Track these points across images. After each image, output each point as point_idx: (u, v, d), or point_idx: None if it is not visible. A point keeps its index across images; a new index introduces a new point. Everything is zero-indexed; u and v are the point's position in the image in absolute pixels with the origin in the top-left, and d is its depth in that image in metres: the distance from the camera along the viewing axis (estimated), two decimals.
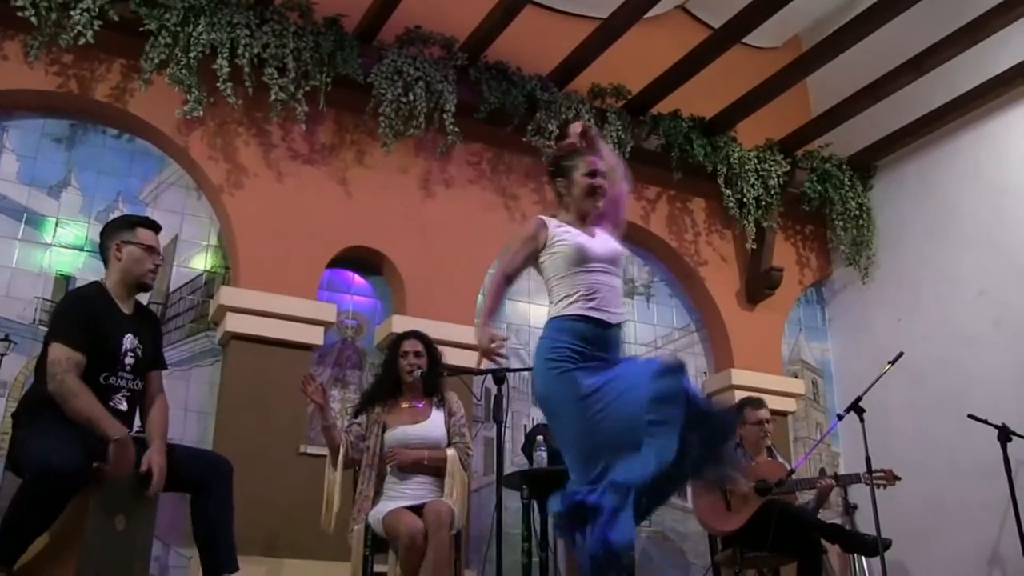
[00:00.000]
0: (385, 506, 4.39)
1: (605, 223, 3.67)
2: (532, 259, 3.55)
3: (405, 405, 4.70)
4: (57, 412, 3.53)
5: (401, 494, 4.46)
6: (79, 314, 3.75)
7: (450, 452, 4.59)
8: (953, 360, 6.57)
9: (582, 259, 3.44)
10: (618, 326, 3.45)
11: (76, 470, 3.31)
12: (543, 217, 3.60)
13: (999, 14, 5.95)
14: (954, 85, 6.63)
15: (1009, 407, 5.85)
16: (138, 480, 3.63)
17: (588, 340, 3.34)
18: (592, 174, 3.60)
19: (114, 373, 3.75)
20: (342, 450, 4.56)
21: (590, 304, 3.38)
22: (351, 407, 4.71)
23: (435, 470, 4.56)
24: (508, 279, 3.55)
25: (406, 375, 4.69)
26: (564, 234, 3.50)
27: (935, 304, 6.85)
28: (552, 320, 3.43)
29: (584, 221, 3.60)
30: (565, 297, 3.41)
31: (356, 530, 4.45)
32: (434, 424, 4.65)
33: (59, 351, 3.60)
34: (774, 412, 6.30)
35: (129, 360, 3.79)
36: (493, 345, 3.44)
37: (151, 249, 3.92)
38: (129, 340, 3.80)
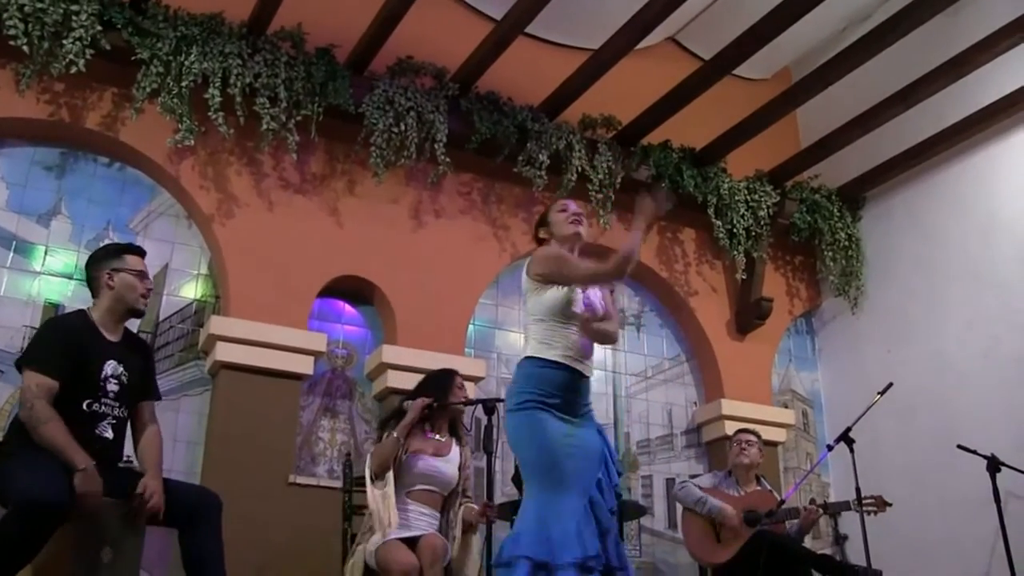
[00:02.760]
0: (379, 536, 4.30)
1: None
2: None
3: (428, 434, 4.65)
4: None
5: (401, 520, 4.38)
6: (54, 340, 3.73)
7: (468, 506, 4.59)
8: (942, 391, 6.58)
9: (567, 313, 3.67)
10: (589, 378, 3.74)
11: (60, 503, 3.27)
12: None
13: (984, 49, 6.01)
14: (941, 118, 6.68)
15: (998, 438, 5.84)
16: (134, 504, 3.60)
17: (558, 385, 3.60)
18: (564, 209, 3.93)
19: (96, 400, 3.71)
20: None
21: (568, 353, 3.65)
22: (391, 426, 4.61)
23: (436, 502, 4.54)
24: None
25: (456, 408, 4.72)
26: None
27: (924, 335, 6.86)
28: (521, 362, 3.70)
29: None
30: (543, 342, 3.67)
31: (353, 563, 4.37)
32: (453, 462, 4.63)
33: (30, 378, 3.59)
34: (764, 442, 6.30)
35: (112, 387, 3.76)
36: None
37: (142, 274, 3.92)
38: (111, 366, 3.77)
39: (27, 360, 3.69)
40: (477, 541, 4.51)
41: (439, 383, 4.77)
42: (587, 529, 3.37)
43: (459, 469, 4.63)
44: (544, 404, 3.53)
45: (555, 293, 3.64)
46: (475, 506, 4.62)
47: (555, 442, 3.48)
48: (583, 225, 3.93)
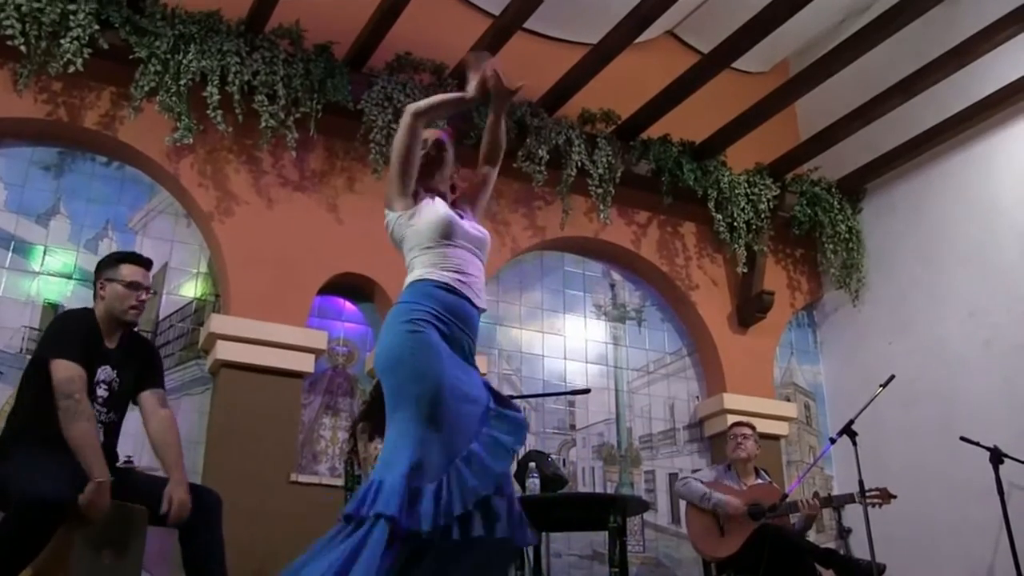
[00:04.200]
0: None
1: (467, 208, 3.44)
2: (410, 170, 3.25)
3: None
4: (43, 440, 3.49)
5: None
6: (76, 330, 3.71)
7: None
8: (944, 382, 6.57)
9: (450, 232, 3.17)
10: (478, 309, 3.17)
11: (61, 502, 3.26)
12: None
13: (985, 38, 5.99)
14: (942, 108, 6.66)
15: (1000, 428, 5.84)
16: (125, 513, 3.59)
17: (450, 311, 3.05)
18: (424, 142, 3.37)
19: (90, 402, 3.70)
20: None
21: (458, 276, 3.11)
22: (361, 429, 4.59)
23: None
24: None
25: None
26: (430, 201, 3.25)
27: (926, 326, 6.85)
28: (414, 283, 3.11)
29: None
30: (432, 266, 3.12)
31: None
32: None
33: (65, 369, 3.53)
34: (766, 436, 6.31)
35: (101, 392, 3.73)
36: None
37: (133, 285, 3.83)
38: (104, 372, 3.75)
39: (55, 351, 3.62)
40: None
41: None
42: (455, 488, 2.77)
43: None
44: (439, 328, 2.99)
45: (430, 216, 3.19)
46: None
47: (446, 372, 2.91)
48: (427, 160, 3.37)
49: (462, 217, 3.31)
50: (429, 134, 3.41)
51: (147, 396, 3.93)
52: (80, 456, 3.43)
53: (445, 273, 3.09)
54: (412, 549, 2.74)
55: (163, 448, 3.79)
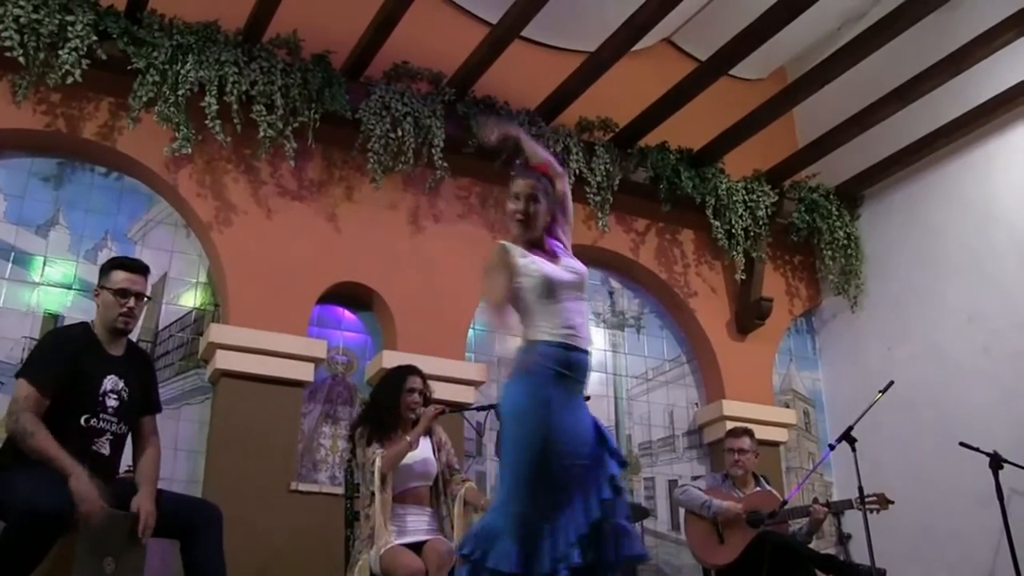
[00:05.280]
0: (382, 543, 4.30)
1: (559, 229, 3.54)
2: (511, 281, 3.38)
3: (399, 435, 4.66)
4: None
5: (398, 528, 4.39)
6: (53, 353, 3.71)
7: (471, 487, 4.63)
8: (943, 387, 6.57)
9: (547, 292, 3.30)
10: (588, 353, 3.35)
11: (61, 513, 3.26)
12: (503, 242, 3.43)
13: (981, 44, 6.00)
14: (939, 114, 6.66)
15: (999, 433, 5.84)
16: (130, 523, 3.59)
17: (566, 365, 3.23)
18: (515, 197, 3.47)
19: (95, 415, 3.69)
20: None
21: (566, 331, 3.28)
22: (359, 435, 4.58)
23: (432, 500, 4.55)
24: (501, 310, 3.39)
25: (407, 412, 4.64)
26: (530, 263, 3.33)
27: (924, 332, 6.86)
28: (527, 343, 3.27)
29: (535, 245, 3.43)
30: (541, 326, 3.28)
31: (359, 569, 4.36)
32: (425, 452, 4.62)
33: (21, 388, 3.57)
34: (765, 442, 6.30)
35: (111, 402, 3.73)
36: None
37: (121, 292, 3.81)
38: (111, 381, 3.75)
39: (23, 370, 3.68)
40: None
41: (389, 392, 4.72)
42: (562, 534, 3.02)
43: (434, 454, 4.64)
44: (552, 381, 3.18)
45: (531, 280, 3.31)
46: (475, 486, 4.63)
47: (555, 424, 3.13)
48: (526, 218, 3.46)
49: (558, 254, 3.45)
50: (522, 187, 3.49)
51: (146, 421, 3.95)
52: (49, 464, 3.43)
53: (554, 331, 3.26)
54: None
55: (142, 471, 3.82)
